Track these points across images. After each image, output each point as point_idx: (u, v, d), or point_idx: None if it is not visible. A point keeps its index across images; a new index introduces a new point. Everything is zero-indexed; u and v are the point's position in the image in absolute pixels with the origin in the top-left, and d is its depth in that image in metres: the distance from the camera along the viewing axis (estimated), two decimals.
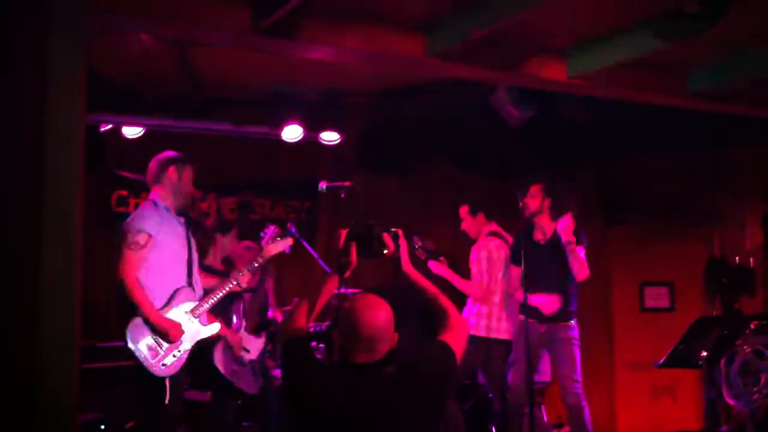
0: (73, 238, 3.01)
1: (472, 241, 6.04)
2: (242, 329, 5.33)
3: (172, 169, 4.43)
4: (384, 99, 6.91)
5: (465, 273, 5.98)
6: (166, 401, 4.15)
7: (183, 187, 4.45)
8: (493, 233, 5.97)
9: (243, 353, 5.22)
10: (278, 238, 4.91)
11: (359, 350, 2.72)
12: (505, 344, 5.80)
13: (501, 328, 5.78)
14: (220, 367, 5.10)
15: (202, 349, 5.51)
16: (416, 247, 5.94)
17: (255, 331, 5.43)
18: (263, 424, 5.51)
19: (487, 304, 5.80)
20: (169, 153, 4.53)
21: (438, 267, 5.94)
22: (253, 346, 5.35)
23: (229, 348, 5.15)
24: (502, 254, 5.87)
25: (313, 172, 6.73)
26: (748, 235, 7.45)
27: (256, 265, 4.76)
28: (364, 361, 2.71)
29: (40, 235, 2.94)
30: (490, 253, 5.84)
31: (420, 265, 6.39)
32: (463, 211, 6.07)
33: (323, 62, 5.42)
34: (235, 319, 5.33)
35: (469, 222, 6.04)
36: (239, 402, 5.37)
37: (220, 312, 5.17)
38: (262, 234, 4.98)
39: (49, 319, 2.91)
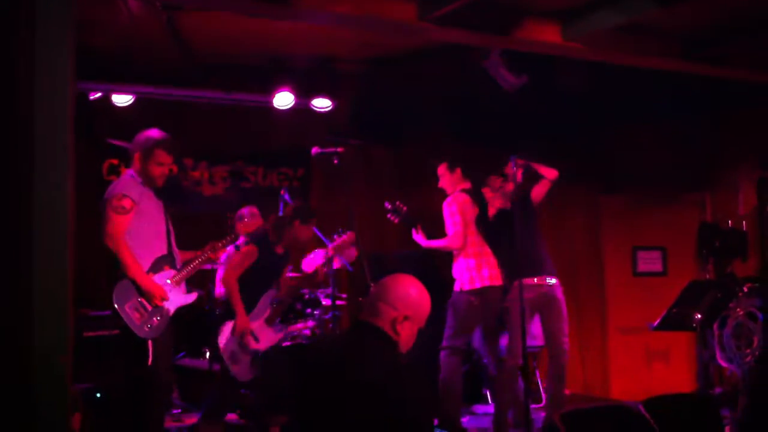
0: (65, 210, 2.97)
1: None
2: (262, 317, 5.29)
3: (137, 155, 4.55)
4: (377, 66, 6.85)
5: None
6: (149, 363, 4.26)
7: (148, 172, 4.54)
8: (466, 191, 6.00)
9: (250, 340, 5.14)
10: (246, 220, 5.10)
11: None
12: (501, 289, 5.84)
13: (494, 275, 5.84)
14: (222, 344, 5.09)
15: (212, 320, 5.59)
16: (387, 210, 5.98)
17: (273, 323, 5.35)
18: (261, 393, 5.48)
19: (468, 255, 5.84)
20: (142, 136, 4.59)
21: (418, 236, 6.00)
22: (266, 338, 5.25)
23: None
24: (470, 209, 5.91)
25: (306, 140, 6.67)
26: (742, 199, 7.44)
27: (231, 240, 4.97)
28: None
29: (31, 208, 2.91)
30: (460, 206, 5.89)
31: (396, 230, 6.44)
32: (442, 168, 6.14)
33: (315, 28, 5.36)
34: (259, 305, 5.28)
35: (447, 178, 6.11)
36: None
37: (250, 295, 5.19)
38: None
39: (42, 294, 2.89)
